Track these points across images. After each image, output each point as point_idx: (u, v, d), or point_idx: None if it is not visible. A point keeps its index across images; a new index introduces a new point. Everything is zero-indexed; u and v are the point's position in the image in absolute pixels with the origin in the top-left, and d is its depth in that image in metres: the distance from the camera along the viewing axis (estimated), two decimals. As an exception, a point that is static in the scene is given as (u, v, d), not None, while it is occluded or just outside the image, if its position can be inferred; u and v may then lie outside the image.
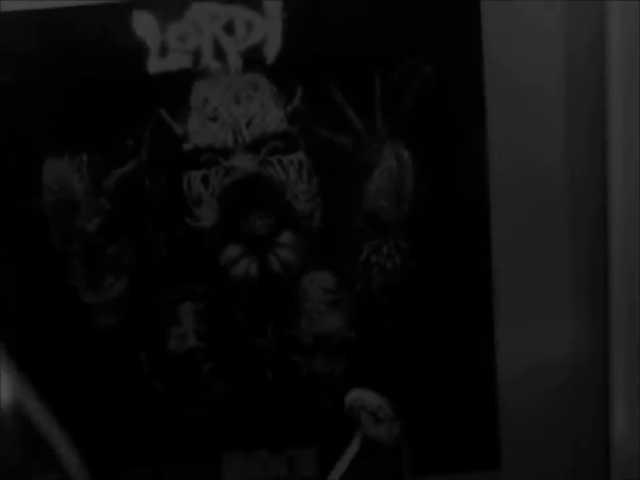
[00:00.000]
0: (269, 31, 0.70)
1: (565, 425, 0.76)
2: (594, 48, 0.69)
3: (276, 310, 0.74)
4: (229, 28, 0.70)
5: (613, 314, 0.71)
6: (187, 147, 0.71)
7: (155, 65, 0.70)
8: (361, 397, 0.53)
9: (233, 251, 0.73)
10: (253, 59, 0.70)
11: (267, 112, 0.71)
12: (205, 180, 0.72)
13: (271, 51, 0.70)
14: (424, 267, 0.73)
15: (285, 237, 0.73)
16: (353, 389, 0.55)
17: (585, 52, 0.70)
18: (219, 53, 0.70)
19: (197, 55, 0.70)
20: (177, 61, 0.70)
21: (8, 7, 0.70)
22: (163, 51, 0.70)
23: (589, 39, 0.69)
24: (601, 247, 0.72)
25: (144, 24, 0.70)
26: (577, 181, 0.72)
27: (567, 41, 0.70)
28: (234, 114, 0.71)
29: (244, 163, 0.71)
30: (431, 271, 0.73)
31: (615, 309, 0.71)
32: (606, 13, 0.68)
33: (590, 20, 0.69)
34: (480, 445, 0.76)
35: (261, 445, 0.76)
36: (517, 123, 0.71)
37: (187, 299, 0.73)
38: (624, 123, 0.68)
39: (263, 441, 0.76)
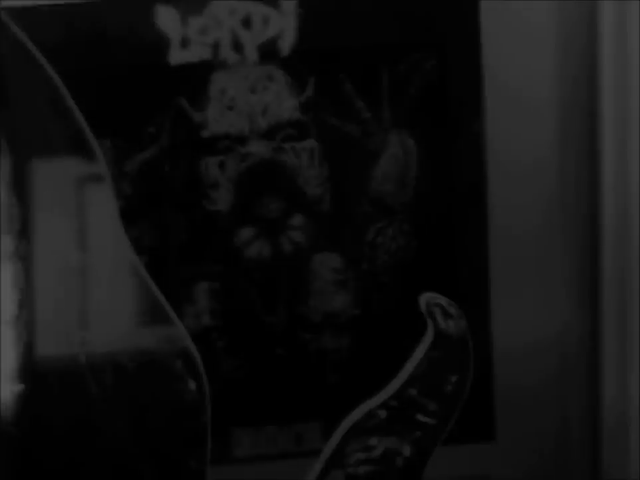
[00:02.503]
0: (284, 25, 0.75)
1: (557, 397, 0.82)
2: (588, 46, 0.75)
3: (286, 289, 0.78)
4: (247, 22, 0.75)
5: (604, 295, 0.77)
6: (205, 134, 0.76)
7: (176, 57, 0.75)
8: (435, 295, 0.59)
9: (247, 233, 0.77)
10: (268, 51, 0.75)
11: (281, 101, 0.76)
12: (222, 165, 0.76)
13: (286, 45, 0.75)
14: (425, 248, 0.78)
15: (297, 219, 0.77)
16: (427, 292, 0.60)
17: (579, 49, 0.76)
18: (237, 46, 0.75)
19: (216, 47, 0.75)
20: (197, 53, 0.75)
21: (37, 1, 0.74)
22: (184, 43, 0.75)
23: (583, 38, 0.76)
24: (593, 229, 0.78)
25: (166, 18, 0.74)
26: (569, 168, 0.78)
27: (561, 39, 0.76)
28: (250, 103, 0.76)
29: (259, 149, 0.76)
30: (431, 251, 0.79)
31: (606, 290, 0.77)
32: (598, 11, 0.74)
33: (584, 19, 0.76)
34: (476, 417, 0.81)
35: (269, 420, 0.80)
36: (513, 114, 0.77)
37: (203, 278, 0.77)
38: (615, 117, 0.75)
39: (272, 417, 0.80)
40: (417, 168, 0.77)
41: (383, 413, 0.60)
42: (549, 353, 0.81)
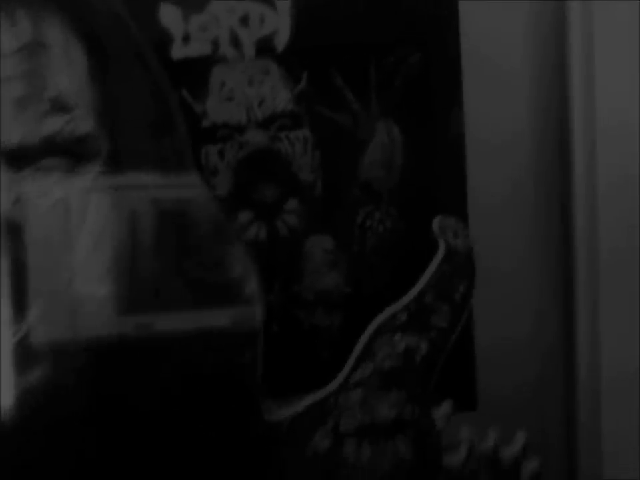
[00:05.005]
0: (279, 24, 0.81)
1: (533, 373, 0.88)
2: (558, 40, 0.82)
3: (282, 270, 0.83)
4: (245, 20, 0.80)
5: (577, 296, 0.85)
6: (205, 123, 0.81)
7: (178, 52, 0.80)
8: (446, 217, 0.67)
9: (244, 217, 0.82)
10: (264, 47, 0.81)
11: (277, 93, 0.81)
12: (221, 153, 0.81)
13: (281, 41, 0.81)
14: (410, 230, 0.84)
15: (291, 204, 0.82)
16: (439, 216, 0.68)
17: (551, 44, 0.83)
18: (235, 42, 0.80)
19: (215, 43, 0.80)
20: (198, 49, 0.80)
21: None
22: (186, 39, 0.80)
23: (554, 35, 0.83)
24: (566, 232, 0.85)
25: (169, 15, 0.80)
26: (544, 161, 0.85)
27: (533, 37, 0.83)
28: (247, 95, 0.81)
29: (256, 138, 0.81)
30: (416, 234, 0.84)
31: (579, 291, 0.84)
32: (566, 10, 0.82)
33: (555, 20, 0.83)
34: (457, 389, 0.86)
35: (264, 394, 0.84)
36: (490, 103, 0.83)
37: (203, 260, 0.82)
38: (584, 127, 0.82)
39: (267, 391, 0.84)
40: (402, 154, 0.83)
41: (404, 315, 0.71)
42: (527, 340, 0.87)
